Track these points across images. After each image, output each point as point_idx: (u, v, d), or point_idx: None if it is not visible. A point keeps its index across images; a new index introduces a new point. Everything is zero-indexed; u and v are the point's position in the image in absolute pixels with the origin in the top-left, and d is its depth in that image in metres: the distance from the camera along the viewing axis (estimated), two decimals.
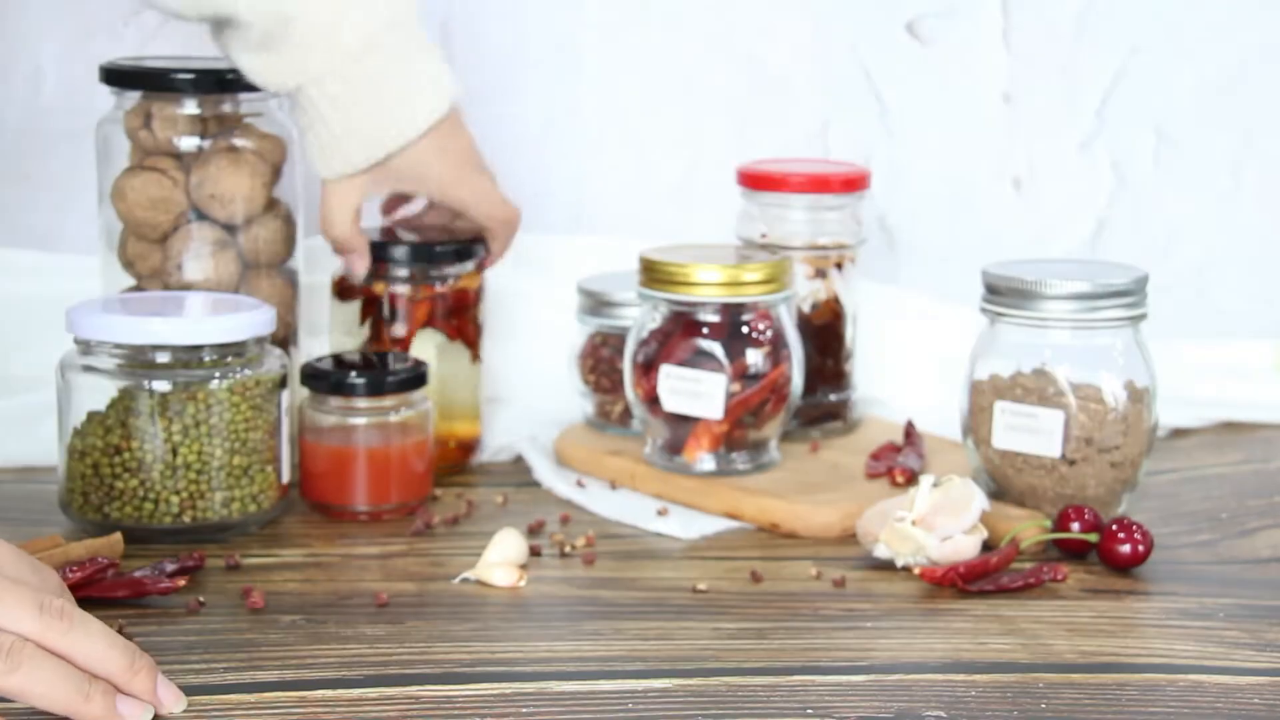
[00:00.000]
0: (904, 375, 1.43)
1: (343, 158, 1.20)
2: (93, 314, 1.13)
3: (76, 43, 1.47)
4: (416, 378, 1.20)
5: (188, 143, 1.22)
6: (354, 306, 1.29)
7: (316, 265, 1.35)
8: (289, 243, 1.26)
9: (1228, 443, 1.40)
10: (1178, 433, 1.42)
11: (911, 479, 1.22)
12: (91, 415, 1.13)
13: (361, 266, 1.26)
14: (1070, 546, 1.14)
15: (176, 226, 1.22)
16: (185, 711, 0.90)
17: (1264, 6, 1.56)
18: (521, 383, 1.43)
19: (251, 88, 1.20)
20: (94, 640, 0.87)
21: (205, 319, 1.13)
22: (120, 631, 0.99)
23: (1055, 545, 1.15)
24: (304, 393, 1.21)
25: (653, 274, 1.23)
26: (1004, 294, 1.18)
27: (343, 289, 1.30)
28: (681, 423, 1.24)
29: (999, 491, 1.20)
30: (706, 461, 1.24)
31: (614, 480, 1.26)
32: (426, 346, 1.27)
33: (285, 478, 1.18)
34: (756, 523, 1.19)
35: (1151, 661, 0.98)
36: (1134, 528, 1.12)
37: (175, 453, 1.12)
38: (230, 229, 1.23)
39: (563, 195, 1.53)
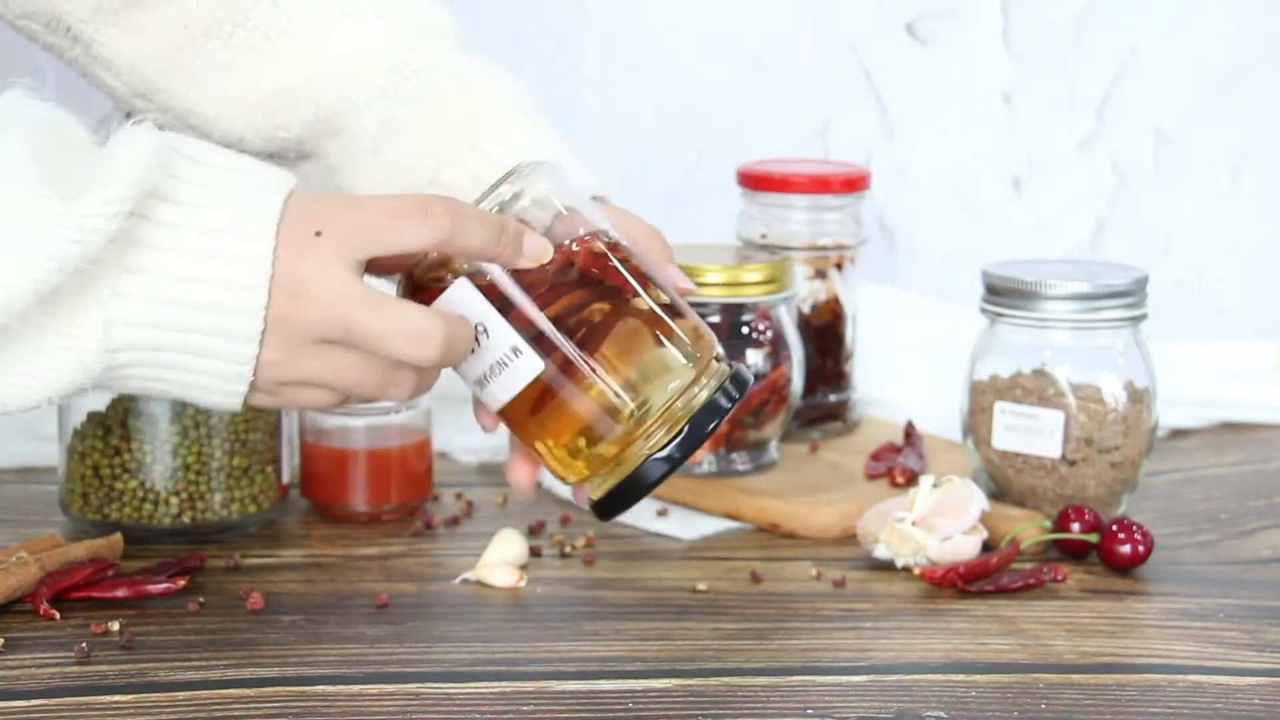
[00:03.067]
0: (904, 375, 1.43)
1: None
2: None
3: None
4: None
5: None
6: None
7: None
8: None
9: (1228, 443, 1.40)
10: (1178, 433, 1.42)
11: (911, 479, 1.22)
12: (91, 416, 1.13)
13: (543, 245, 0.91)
14: (1070, 547, 1.14)
15: None
16: (183, 704, 0.90)
17: (1264, 6, 1.56)
18: None
19: None
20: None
21: None
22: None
23: (1055, 545, 1.15)
24: None
25: None
26: (1004, 294, 1.18)
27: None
28: None
29: (999, 492, 1.20)
30: (706, 462, 1.24)
31: None
32: None
33: (285, 478, 1.18)
34: (756, 523, 1.19)
35: (1151, 662, 0.98)
36: (1134, 528, 1.12)
37: (175, 453, 1.12)
38: None
39: None
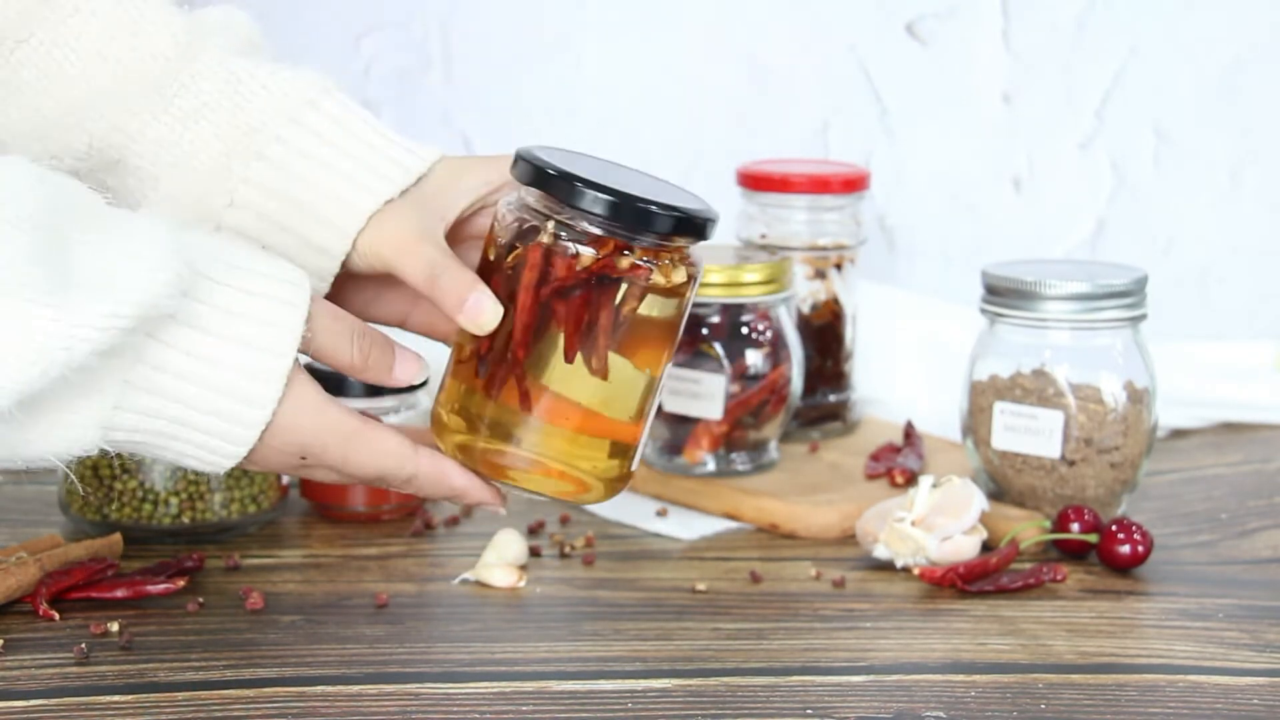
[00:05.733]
0: (904, 375, 1.43)
1: (377, 178, 0.97)
2: None
3: None
4: None
5: None
6: None
7: None
8: None
9: (1228, 443, 1.40)
10: (1178, 433, 1.42)
11: (911, 479, 1.22)
12: None
13: (489, 308, 0.93)
14: (1070, 547, 1.14)
15: None
16: (183, 704, 0.90)
17: (1264, 6, 1.56)
18: None
19: None
20: None
21: None
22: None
23: (1055, 546, 1.15)
24: None
25: None
26: (1004, 294, 1.18)
27: None
28: (681, 423, 1.24)
29: (999, 492, 1.20)
30: (706, 462, 1.24)
31: None
32: None
33: (285, 478, 1.18)
34: (756, 523, 1.19)
35: (1151, 662, 0.98)
36: (1134, 528, 1.12)
37: None
38: None
39: None
